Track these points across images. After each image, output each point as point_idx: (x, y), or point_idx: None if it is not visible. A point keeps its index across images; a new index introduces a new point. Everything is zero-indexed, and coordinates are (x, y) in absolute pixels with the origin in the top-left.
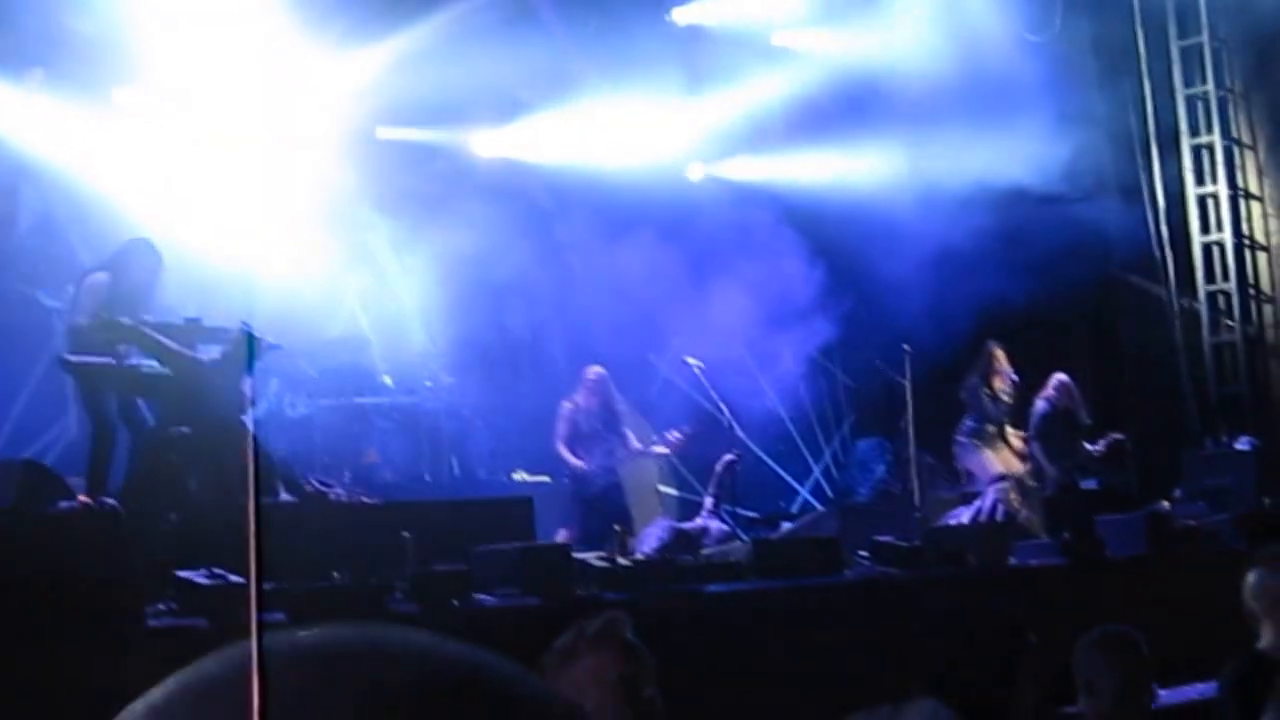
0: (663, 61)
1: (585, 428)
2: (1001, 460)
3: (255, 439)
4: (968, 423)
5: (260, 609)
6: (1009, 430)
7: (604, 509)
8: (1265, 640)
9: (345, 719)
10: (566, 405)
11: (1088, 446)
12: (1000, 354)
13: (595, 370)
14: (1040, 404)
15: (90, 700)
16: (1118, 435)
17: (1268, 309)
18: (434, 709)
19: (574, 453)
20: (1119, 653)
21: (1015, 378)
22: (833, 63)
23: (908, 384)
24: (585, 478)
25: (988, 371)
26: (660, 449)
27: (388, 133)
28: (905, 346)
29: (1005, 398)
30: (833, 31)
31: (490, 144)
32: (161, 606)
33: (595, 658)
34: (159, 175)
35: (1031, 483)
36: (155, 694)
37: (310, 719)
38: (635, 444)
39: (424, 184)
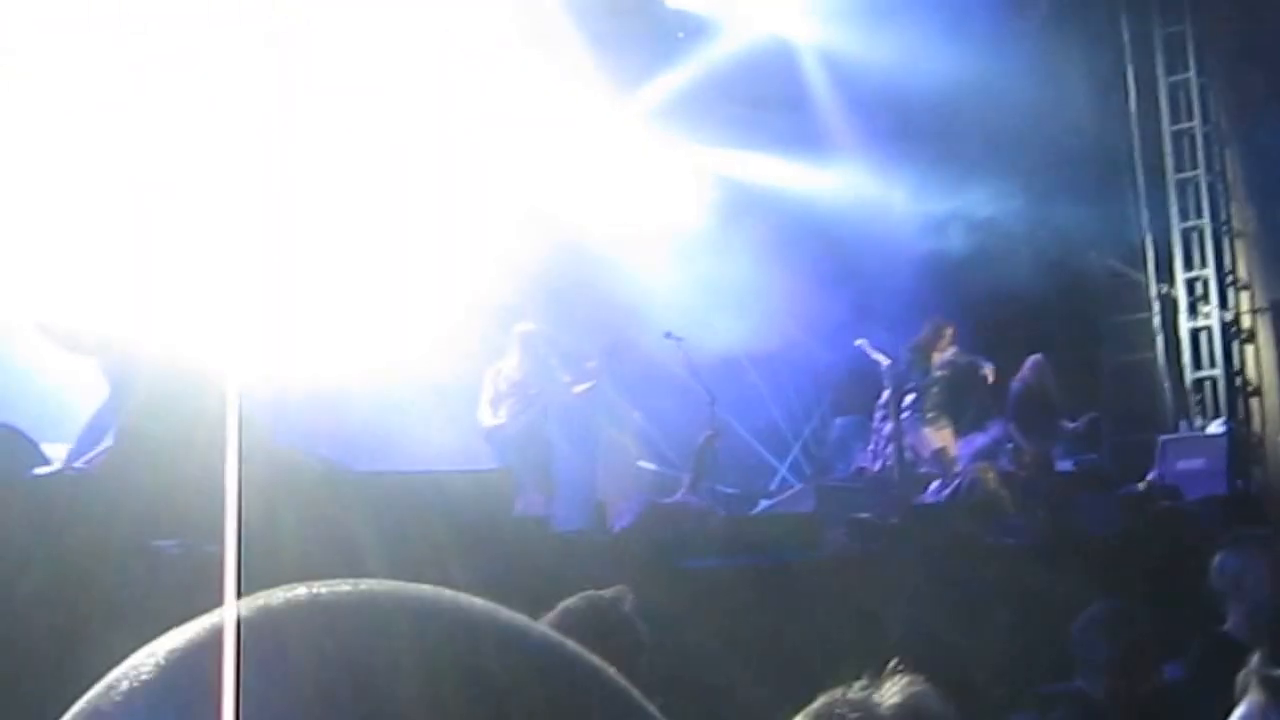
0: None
1: (508, 387)
2: (940, 438)
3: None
4: (910, 398)
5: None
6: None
7: (526, 459)
8: (1231, 622)
9: (342, 682)
10: (490, 370)
11: (1066, 424)
12: (950, 332)
13: (523, 327)
14: (1015, 384)
15: (62, 669)
16: (1093, 414)
17: (1244, 295)
18: (444, 667)
19: (494, 409)
20: (1116, 629)
21: (988, 366)
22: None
23: (887, 361)
24: (505, 436)
25: (929, 345)
26: (581, 387)
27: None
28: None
29: (939, 373)
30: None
31: None
32: (137, 575)
33: (592, 638)
34: None
35: (1007, 465)
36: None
37: (302, 685)
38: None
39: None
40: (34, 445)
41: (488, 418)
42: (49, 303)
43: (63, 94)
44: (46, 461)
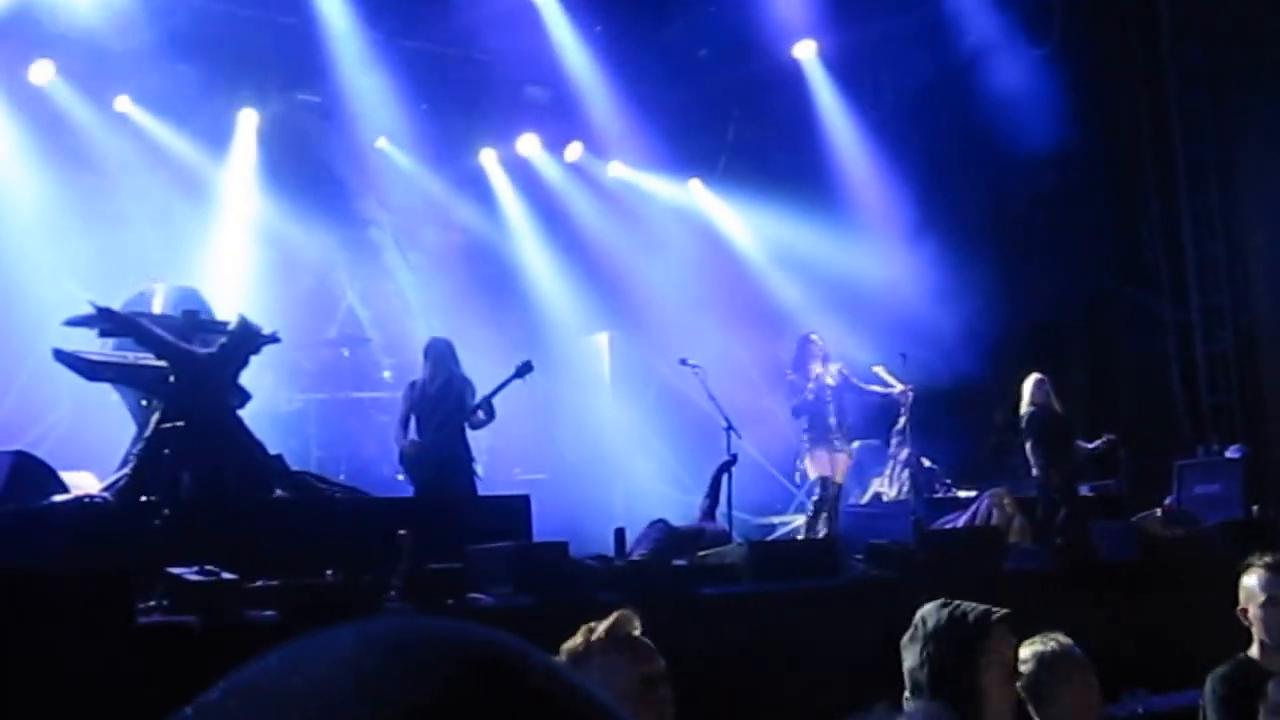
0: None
1: (424, 402)
2: (832, 462)
3: (250, 433)
4: (804, 420)
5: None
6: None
7: (441, 481)
8: (1254, 647)
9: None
10: (406, 387)
11: (1084, 445)
12: (817, 339)
13: (436, 339)
14: (1029, 410)
15: (78, 696)
16: (1111, 435)
17: (1260, 319)
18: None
19: (407, 429)
20: (1068, 667)
21: (889, 385)
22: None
23: (905, 389)
24: (418, 454)
25: (803, 360)
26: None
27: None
28: (901, 354)
29: (829, 380)
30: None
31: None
32: (152, 602)
33: (607, 658)
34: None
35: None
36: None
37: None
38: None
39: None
40: (51, 472)
41: (401, 438)
42: (69, 334)
43: None
44: (65, 489)
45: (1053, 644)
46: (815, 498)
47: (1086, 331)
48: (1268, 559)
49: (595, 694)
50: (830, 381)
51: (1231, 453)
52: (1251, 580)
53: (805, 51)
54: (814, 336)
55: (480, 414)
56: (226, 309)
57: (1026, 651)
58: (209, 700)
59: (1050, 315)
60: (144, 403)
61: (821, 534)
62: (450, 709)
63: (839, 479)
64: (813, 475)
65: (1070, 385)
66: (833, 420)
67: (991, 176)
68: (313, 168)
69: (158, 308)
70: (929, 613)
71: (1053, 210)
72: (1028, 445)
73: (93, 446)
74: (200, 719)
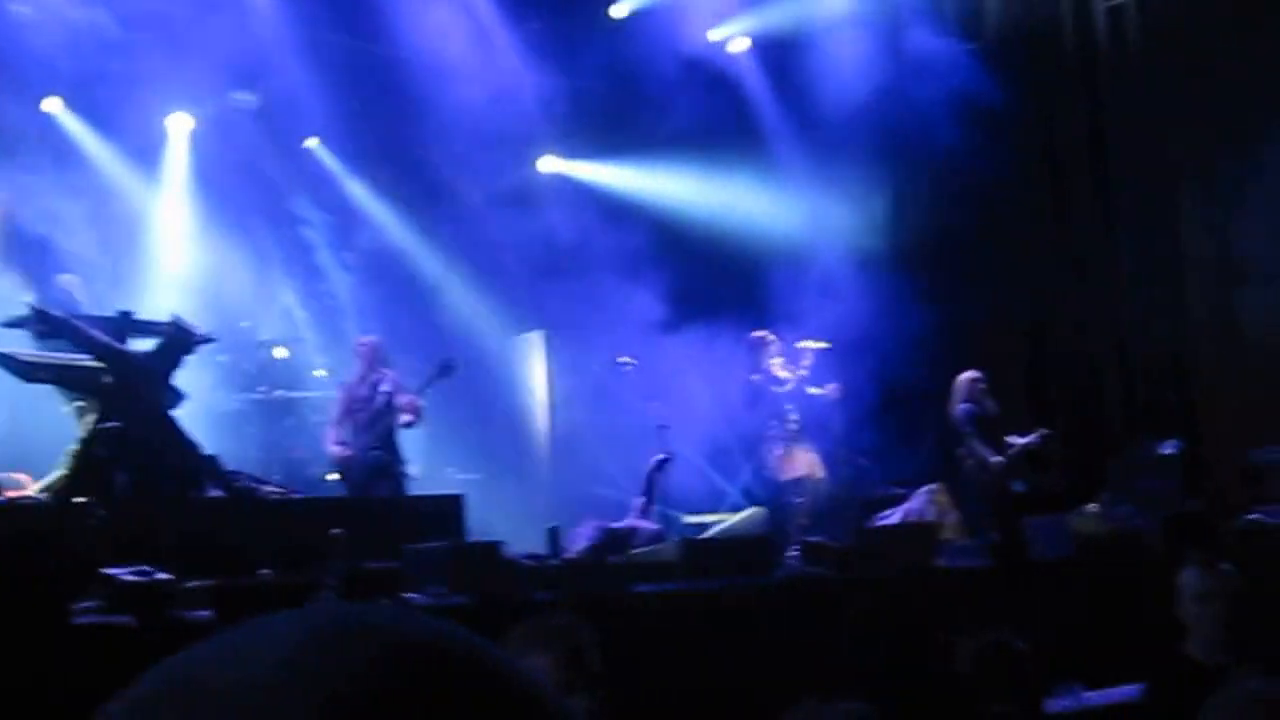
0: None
1: (354, 403)
2: (800, 461)
3: (186, 433)
4: (768, 420)
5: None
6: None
7: (371, 482)
8: (1191, 642)
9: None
10: (338, 388)
11: (1018, 439)
12: (770, 336)
13: (365, 339)
14: (962, 406)
15: (13, 698)
16: (1045, 429)
17: (1195, 315)
18: (409, 687)
19: (340, 430)
20: (1005, 660)
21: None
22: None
23: (838, 385)
24: (348, 456)
25: (760, 360)
26: (405, 417)
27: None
28: (813, 346)
29: (793, 378)
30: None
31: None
32: (88, 603)
33: (541, 658)
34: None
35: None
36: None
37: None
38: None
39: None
40: None
41: (333, 441)
42: (4, 335)
43: None
44: None
45: (989, 639)
46: (798, 498)
47: (1022, 328)
48: (1202, 555)
49: (537, 682)
50: (793, 378)
51: (1166, 448)
52: (1186, 577)
53: (739, 47)
54: (767, 335)
55: (405, 415)
56: (162, 310)
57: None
58: (138, 695)
59: (985, 312)
60: (80, 404)
61: (808, 536)
62: (395, 702)
63: (818, 475)
64: (787, 475)
65: (1004, 382)
66: (796, 418)
67: (925, 174)
68: (246, 167)
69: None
70: None
71: (987, 208)
72: (962, 442)
73: (29, 448)
74: (130, 717)
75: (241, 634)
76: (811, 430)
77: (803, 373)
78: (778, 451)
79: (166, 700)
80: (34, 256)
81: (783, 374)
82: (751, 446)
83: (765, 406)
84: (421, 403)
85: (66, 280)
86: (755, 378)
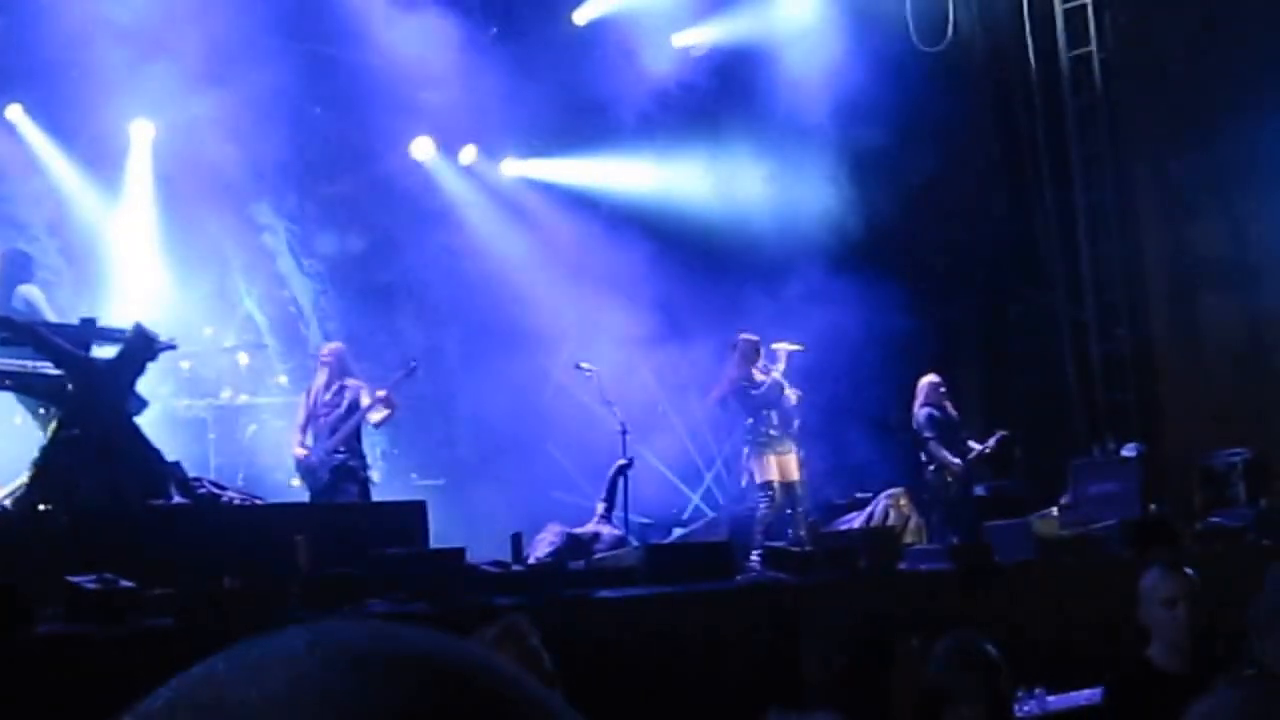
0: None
1: (318, 409)
2: (779, 465)
3: (148, 440)
4: (748, 423)
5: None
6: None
7: (333, 487)
8: (1153, 646)
9: None
10: (303, 394)
11: (974, 445)
12: (751, 338)
13: (329, 346)
14: (924, 410)
15: None
16: (1004, 432)
17: (1155, 318)
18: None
19: (303, 435)
20: (976, 663)
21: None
22: (723, 65)
23: (796, 391)
24: (310, 461)
25: (743, 362)
26: (377, 414)
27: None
28: (780, 346)
29: (765, 385)
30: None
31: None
32: (50, 611)
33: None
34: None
35: (924, 492)
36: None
37: None
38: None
39: (320, 185)
40: None
41: (297, 444)
42: None
43: None
44: None
45: (960, 642)
46: (764, 503)
47: (981, 331)
48: (1164, 559)
49: (556, 702)
50: (769, 380)
51: (1127, 451)
52: (1148, 580)
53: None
54: (753, 338)
55: (377, 411)
56: (124, 317)
57: (936, 650)
58: (152, 710)
59: (945, 315)
60: (41, 410)
61: (774, 540)
62: (412, 717)
63: (794, 478)
64: (760, 479)
65: (965, 385)
66: (777, 421)
67: (885, 176)
68: (207, 172)
69: None
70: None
71: (947, 210)
72: (923, 446)
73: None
74: None
75: (257, 649)
76: (789, 433)
77: (776, 375)
78: (750, 455)
79: (182, 715)
80: None
81: (760, 376)
82: (716, 451)
83: (745, 409)
84: (394, 398)
85: (27, 290)
86: (737, 379)
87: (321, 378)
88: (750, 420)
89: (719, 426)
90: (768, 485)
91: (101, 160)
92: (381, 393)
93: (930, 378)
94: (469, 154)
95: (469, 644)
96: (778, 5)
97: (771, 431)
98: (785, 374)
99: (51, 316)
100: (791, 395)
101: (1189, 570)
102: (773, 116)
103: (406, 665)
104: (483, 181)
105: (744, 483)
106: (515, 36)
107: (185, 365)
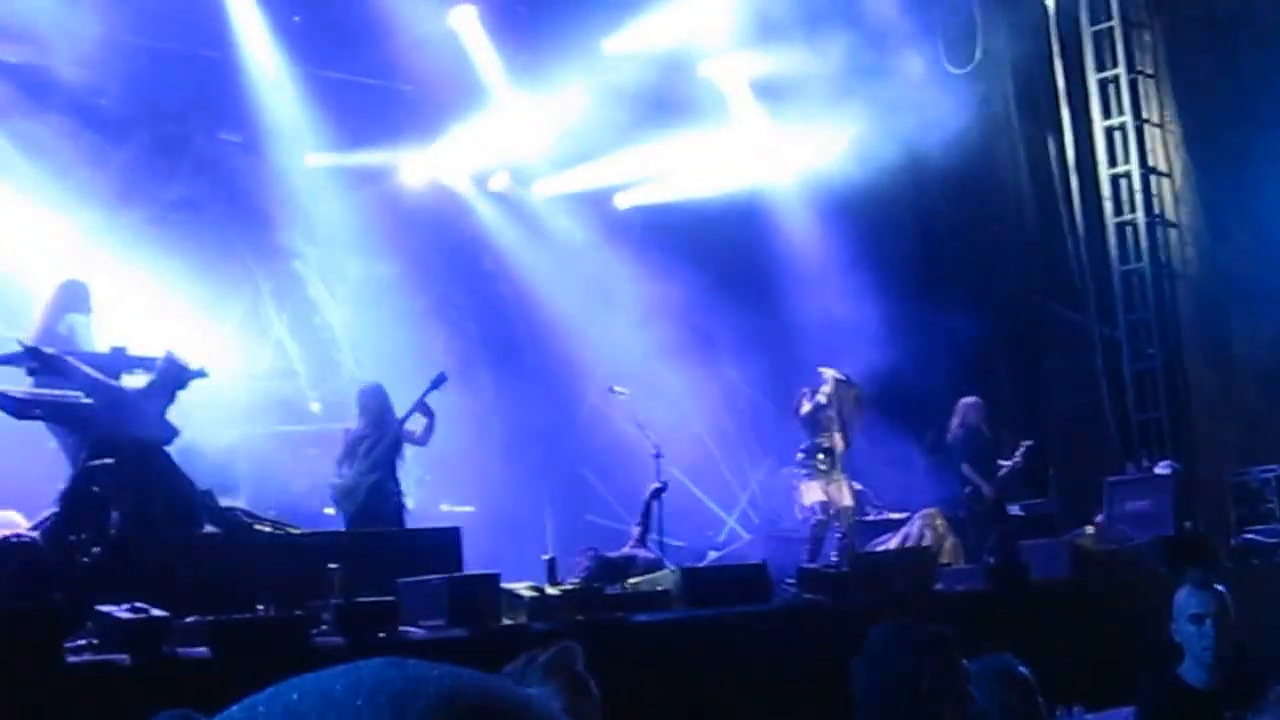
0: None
1: (358, 443)
2: (827, 492)
3: (179, 469)
4: (799, 451)
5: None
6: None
7: (369, 514)
8: (1184, 663)
9: None
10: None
11: (1002, 462)
12: (828, 373)
13: (367, 386)
14: (960, 431)
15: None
16: (1028, 442)
17: (1186, 334)
18: None
19: (341, 468)
20: (1006, 685)
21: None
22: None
23: (834, 411)
24: (347, 487)
25: (813, 392)
26: (415, 422)
27: (316, 159)
28: (822, 371)
29: (830, 416)
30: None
31: (417, 170)
32: (81, 641)
33: (544, 688)
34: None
35: (960, 511)
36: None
37: None
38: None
39: (350, 212)
40: None
41: (334, 476)
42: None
43: None
44: None
45: (996, 664)
46: (813, 525)
47: (1014, 350)
48: (1195, 576)
49: None
50: (812, 406)
51: (1161, 468)
52: (1179, 597)
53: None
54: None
55: (416, 431)
56: (155, 345)
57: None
58: None
59: (980, 335)
60: (71, 441)
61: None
62: None
63: (845, 504)
64: (805, 503)
65: (999, 404)
66: (829, 447)
67: (916, 198)
68: (238, 201)
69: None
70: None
71: (978, 229)
72: (958, 466)
73: (21, 485)
74: None
75: (295, 691)
76: (837, 458)
77: (821, 400)
78: (798, 480)
79: None
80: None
81: (807, 405)
82: (751, 473)
83: (804, 435)
84: (426, 417)
85: (73, 318)
86: (806, 406)
87: (361, 421)
88: (801, 447)
89: (753, 449)
90: (811, 508)
91: (130, 187)
92: (415, 419)
93: (967, 399)
94: (501, 179)
95: (502, 682)
96: (812, 33)
97: (822, 459)
98: (835, 400)
99: (91, 346)
100: (839, 439)
101: (1219, 586)
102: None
103: (442, 707)
104: (515, 205)
105: (796, 511)
106: (541, 59)
107: (216, 393)
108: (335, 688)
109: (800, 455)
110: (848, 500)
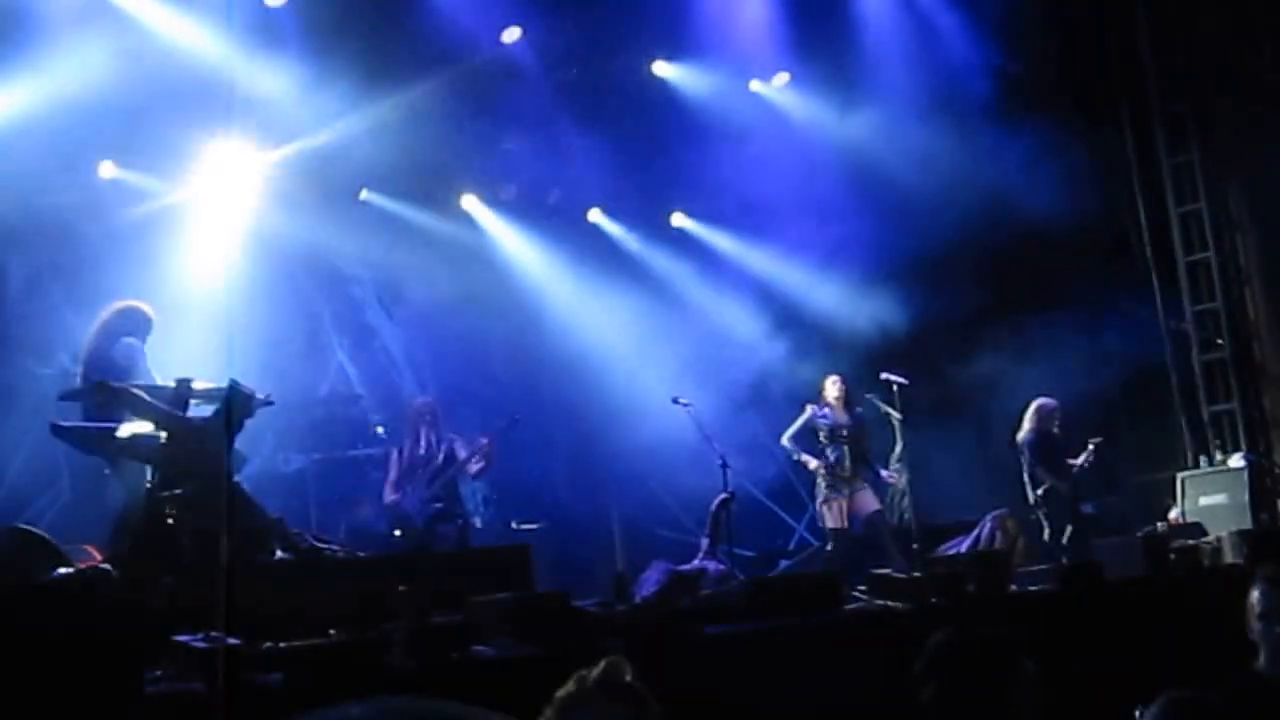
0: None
1: (411, 463)
2: (852, 505)
3: (250, 497)
4: (820, 470)
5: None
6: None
7: (433, 536)
8: (1263, 660)
9: None
10: (398, 449)
11: (1073, 462)
12: (828, 382)
13: (418, 401)
14: (1031, 433)
15: None
16: (1096, 439)
17: (1255, 324)
18: None
19: (397, 490)
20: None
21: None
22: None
23: (898, 416)
24: (408, 511)
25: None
26: (475, 465)
27: (370, 196)
28: (887, 377)
29: (843, 428)
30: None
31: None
32: (158, 672)
33: (599, 706)
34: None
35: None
36: None
37: None
38: (467, 463)
39: (407, 238)
40: (53, 547)
41: (388, 495)
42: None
43: None
44: (67, 562)
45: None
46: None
47: (1081, 346)
48: (1267, 572)
49: None
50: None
51: (1235, 462)
52: (1252, 594)
53: (780, 80)
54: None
55: (475, 463)
56: (219, 373)
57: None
58: None
59: (1045, 333)
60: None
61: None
62: None
63: (871, 509)
64: (830, 525)
65: (1067, 401)
66: (850, 460)
67: (977, 195)
68: (294, 223)
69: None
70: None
71: (1041, 226)
72: (1028, 467)
73: (90, 518)
74: None
75: None
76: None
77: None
78: (819, 500)
79: None
80: None
81: (833, 413)
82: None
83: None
84: (490, 448)
85: (130, 342)
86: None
87: (411, 437)
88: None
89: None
90: (836, 531)
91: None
92: (485, 440)
93: (1040, 401)
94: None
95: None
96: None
97: (838, 471)
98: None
99: (149, 374)
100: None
101: None
102: (859, 179)
103: None
104: (568, 225)
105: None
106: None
107: (283, 419)
108: None
109: (822, 473)
110: (873, 505)
